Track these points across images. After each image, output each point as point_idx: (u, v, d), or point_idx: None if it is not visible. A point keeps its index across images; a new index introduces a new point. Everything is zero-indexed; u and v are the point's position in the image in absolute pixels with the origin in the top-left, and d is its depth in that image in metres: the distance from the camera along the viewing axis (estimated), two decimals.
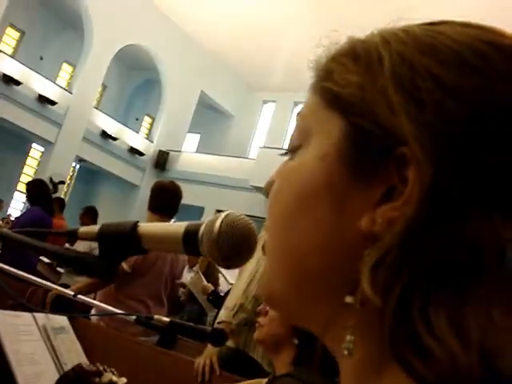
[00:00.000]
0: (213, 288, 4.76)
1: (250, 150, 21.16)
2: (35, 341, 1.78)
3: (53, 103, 15.93)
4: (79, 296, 1.64)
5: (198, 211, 16.75)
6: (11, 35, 17.85)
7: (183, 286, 5.37)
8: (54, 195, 12.67)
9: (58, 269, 6.55)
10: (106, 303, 3.37)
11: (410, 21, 0.47)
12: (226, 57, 19.51)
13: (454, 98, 0.39)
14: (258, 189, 14.96)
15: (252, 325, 2.34)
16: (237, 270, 3.19)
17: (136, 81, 21.92)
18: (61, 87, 16.85)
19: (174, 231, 0.69)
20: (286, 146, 0.53)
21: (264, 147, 17.70)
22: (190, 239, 0.67)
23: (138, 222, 0.72)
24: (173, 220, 3.82)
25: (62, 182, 16.65)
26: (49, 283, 1.63)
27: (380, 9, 7.65)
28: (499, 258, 0.36)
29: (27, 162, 18.72)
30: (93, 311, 3.17)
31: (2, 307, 1.81)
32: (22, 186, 16.78)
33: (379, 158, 0.41)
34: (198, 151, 21.30)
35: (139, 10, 17.19)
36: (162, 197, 3.60)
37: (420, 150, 0.38)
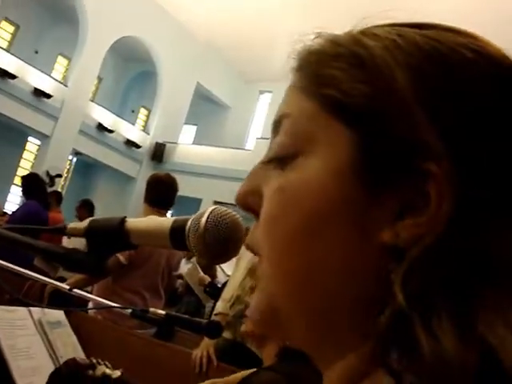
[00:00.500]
0: (209, 279, 4.77)
1: (247, 141, 21.12)
2: (31, 335, 1.79)
3: (48, 96, 15.89)
4: (75, 290, 1.64)
5: (196, 203, 16.73)
6: (6, 29, 17.79)
7: (180, 277, 5.38)
8: (51, 188, 12.70)
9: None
10: (103, 295, 3.36)
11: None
12: (222, 47, 19.44)
13: (470, 110, 0.40)
14: None
15: None
16: (234, 261, 3.18)
17: (132, 73, 21.86)
18: (56, 80, 16.80)
19: (162, 226, 0.69)
20: None
21: (261, 138, 17.69)
22: (177, 234, 0.66)
23: (125, 217, 0.72)
24: (170, 212, 3.83)
25: (59, 176, 16.63)
26: (44, 278, 1.63)
27: None
28: None
29: (24, 156, 18.69)
30: (90, 305, 3.18)
31: None
32: (18, 180, 16.72)
33: (395, 173, 0.40)
34: (194, 143, 21.28)
35: (134, 1, 17.13)
36: (157, 189, 3.60)
37: (447, 166, 0.38)
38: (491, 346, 0.34)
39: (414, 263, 0.38)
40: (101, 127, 17.96)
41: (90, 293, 3.38)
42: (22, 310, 1.84)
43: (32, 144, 18.55)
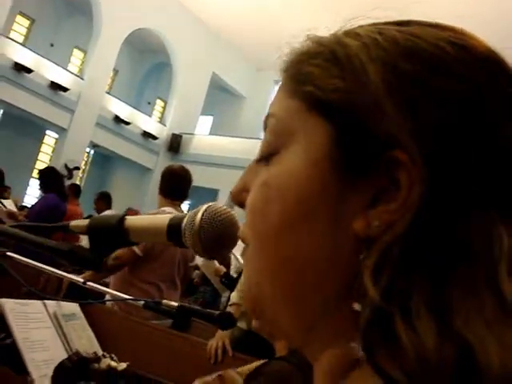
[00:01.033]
0: (225, 270, 4.79)
1: (262, 130, 21.04)
2: (46, 328, 1.82)
3: (65, 90, 15.95)
4: (89, 283, 1.67)
5: (213, 193, 16.76)
6: (21, 23, 17.88)
7: (197, 268, 5.41)
8: (70, 181, 12.79)
9: None
10: (120, 287, 3.41)
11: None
12: (236, 37, 19.37)
13: (442, 102, 0.40)
14: None
15: None
16: None
17: (147, 64, 21.89)
18: (72, 73, 16.86)
19: (159, 224, 0.70)
20: None
21: None
22: (174, 232, 0.68)
23: (125, 215, 0.74)
24: (187, 203, 3.85)
25: (77, 168, 16.74)
26: (58, 271, 1.65)
27: None
28: (491, 255, 0.37)
29: (42, 149, 18.82)
30: (107, 296, 3.21)
31: (16, 295, 1.84)
32: (37, 173, 16.87)
33: (368, 162, 0.41)
34: (211, 133, 21.28)
35: None
36: (171, 181, 3.63)
37: (414, 153, 0.39)
38: (468, 342, 0.35)
39: (384, 253, 0.39)
40: (117, 119, 18.02)
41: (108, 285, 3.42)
42: (36, 303, 1.87)
43: (50, 137, 18.67)
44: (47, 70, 15.65)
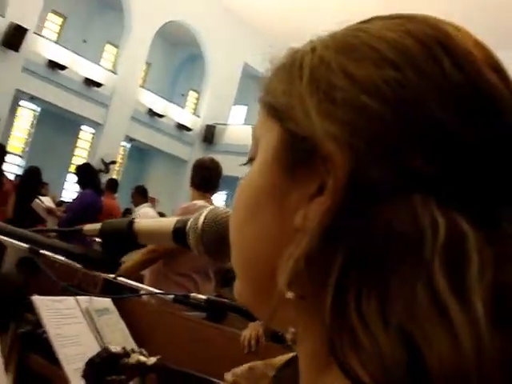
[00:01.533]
0: None
1: None
2: (79, 323, 1.87)
3: (99, 85, 16.14)
4: (119, 278, 1.71)
5: None
6: (54, 21, 18.13)
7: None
8: (107, 175, 12.96)
9: None
10: (155, 279, 3.46)
11: None
12: (266, 27, 19.29)
13: (367, 92, 0.40)
14: None
15: None
16: None
17: (179, 57, 21.98)
18: (105, 69, 17.05)
19: (165, 227, 0.72)
20: None
21: None
22: (179, 235, 0.70)
23: (133, 219, 0.76)
24: (224, 192, 3.88)
25: (114, 162, 16.94)
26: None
27: None
28: (419, 239, 0.36)
29: (78, 145, 19.08)
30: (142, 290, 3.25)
31: (53, 292, 1.88)
32: (74, 169, 17.09)
33: (308, 159, 0.42)
34: (246, 123, 21.28)
35: None
36: (202, 174, 3.70)
37: (333, 146, 0.39)
38: (413, 338, 0.34)
39: (308, 243, 0.39)
40: (152, 112, 18.16)
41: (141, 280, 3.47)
42: (69, 300, 1.92)
43: (85, 133, 18.91)
44: (80, 67, 15.84)
